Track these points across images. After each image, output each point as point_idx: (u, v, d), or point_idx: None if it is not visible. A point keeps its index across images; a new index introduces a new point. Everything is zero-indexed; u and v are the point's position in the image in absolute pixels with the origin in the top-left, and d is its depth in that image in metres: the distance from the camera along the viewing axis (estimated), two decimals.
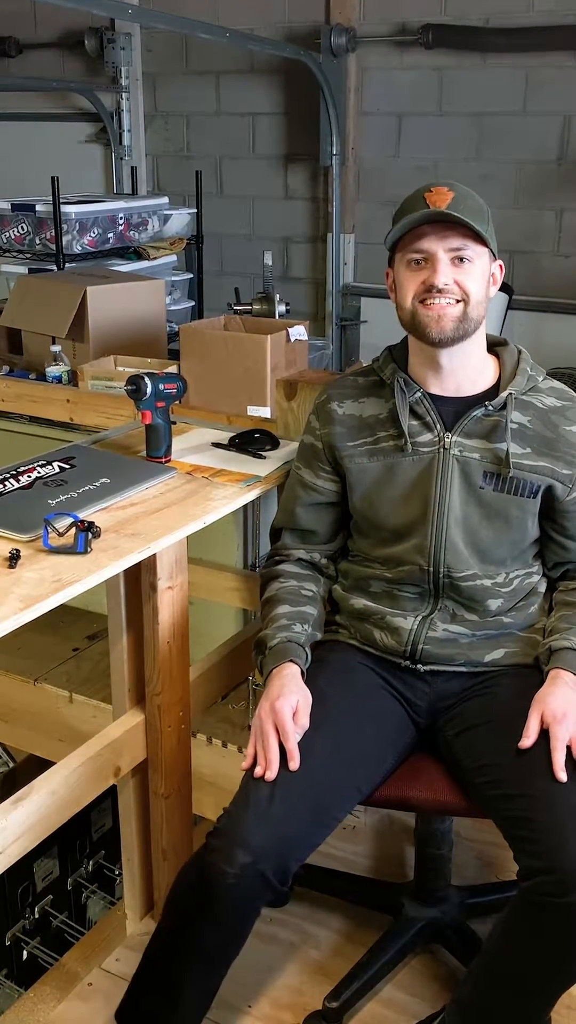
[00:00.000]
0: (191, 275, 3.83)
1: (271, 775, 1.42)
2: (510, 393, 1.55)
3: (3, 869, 1.50)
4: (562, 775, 1.38)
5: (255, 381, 2.20)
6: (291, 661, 1.54)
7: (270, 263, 2.82)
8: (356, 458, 1.63)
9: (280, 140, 4.58)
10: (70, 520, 1.47)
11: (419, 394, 1.59)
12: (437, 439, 1.57)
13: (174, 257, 3.67)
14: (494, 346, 1.63)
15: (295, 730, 1.46)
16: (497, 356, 1.62)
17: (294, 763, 1.43)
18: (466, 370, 1.58)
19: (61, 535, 1.46)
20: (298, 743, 1.47)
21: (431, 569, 1.57)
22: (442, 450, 1.57)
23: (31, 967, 2.84)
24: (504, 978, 1.44)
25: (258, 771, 1.44)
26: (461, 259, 1.50)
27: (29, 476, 1.70)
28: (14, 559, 1.40)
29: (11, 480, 1.68)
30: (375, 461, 1.61)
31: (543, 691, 1.48)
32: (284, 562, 1.70)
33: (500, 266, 1.58)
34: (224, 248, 4.70)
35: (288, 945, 1.87)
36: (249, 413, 2.22)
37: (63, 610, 1.40)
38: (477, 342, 1.57)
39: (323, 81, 4.12)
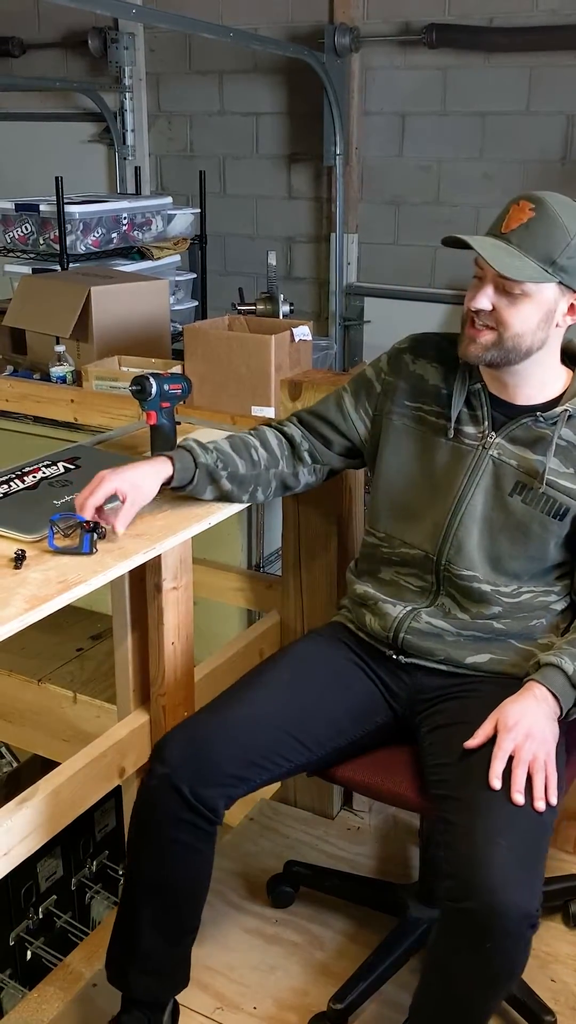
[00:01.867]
0: (195, 275, 3.82)
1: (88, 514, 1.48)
2: (565, 409, 1.51)
3: (8, 870, 1.50)
4: (496, 783, 1.36)
5: (259, 381, 2.20)
6: (167, 456, 1.57)
7: (274, 263, 2.82)
8: (402, 418, 1.63)
9: (283, 140, 4.58)
10: (75, 521, 1.47)
11: (479, 385, 1.57)
12: (481, 435, 1.56)
13: (178, 257, 3.68)
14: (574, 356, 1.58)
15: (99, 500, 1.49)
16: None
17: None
18: (522, 387, 1.54)
19: (67, 536, 1.46)
20: (255, 685, 1.58)
21: (435, 558, 1.57)
22: (481, 448, 1.55)
23: (35, 967, 2.84)
24: (435, 997, 1.44)
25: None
26: (508, 291, 1.44)
27: (34, 476, 1.70)
28: (20, 559, 1.40)
29: (16, 480, 1.68)
30: (416, 431, 1.61)
31: (509, 699, 1.45)
32: (273, 429, 1.71)
33: None
34: (228, 248, 4.70)
35: (292, 946, 1.87)
36: (253, 413, 2.21)
37: (67, 610, 1.40)
38: (534, 364, 1.51)
39: (326, 80, 4.11)
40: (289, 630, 2.08)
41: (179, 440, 1.68)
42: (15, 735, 3.17)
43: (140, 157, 4.92)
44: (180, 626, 1.71)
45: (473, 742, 1.42)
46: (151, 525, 1.56)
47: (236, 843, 2.15)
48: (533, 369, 1.52)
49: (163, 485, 1.56)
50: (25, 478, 1.69)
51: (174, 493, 1.60)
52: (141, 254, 3.49)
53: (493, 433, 1.55)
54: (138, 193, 4.38)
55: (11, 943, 2.87)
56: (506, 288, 1.44)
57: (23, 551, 1.42)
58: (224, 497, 1.64)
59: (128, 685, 1.77)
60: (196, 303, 3.79)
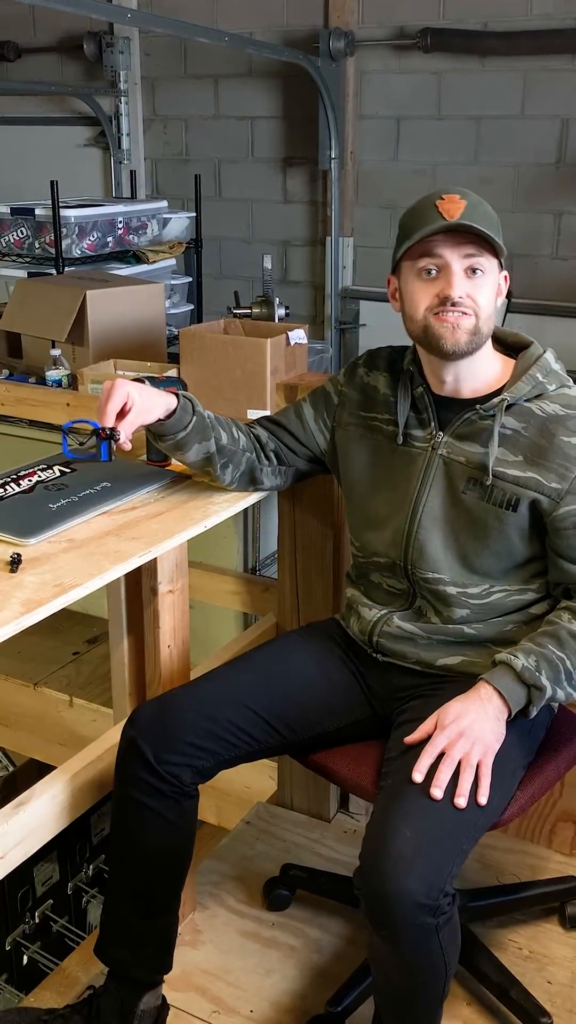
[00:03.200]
0: (190, 279, 3.83)
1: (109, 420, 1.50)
2: (503, 399, 1.51)
3: (4, 874, 1.50)
4: (417, 777, 1.37)
5: (255, 384, 2.20)
6: (173, 392, 1.60)
7: (269, 267, 2.82)
8: (357, 429, 1.65)
9: (279, 144, 4.59)
10: (91, 428, 1.45)
11: (421, 389, 1.59)
12: (429, 436, 1.57)
13: (173, 261, 3.67)
14: (518, 348, 1.59)
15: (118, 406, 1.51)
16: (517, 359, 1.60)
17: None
18: (467, 380, 1.55)
19: (82, 444, 1.46)
20: (235, 664, 1.63)
21: (402, 564, 1.59)
22: (431, 449, 1.57)
23: (31, 972, 2.84)
24: (379, 988, 1.48)
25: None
26: (474, 270, 1.47)
27: (30, 480, 1.70)
28: (15, 563, 1.40)
29: (12, 484, 1.68)
30: (370, 440, 1.63)
31: (456, 697, 1.45)
32: (243, 425, 1.73)
33: (506, 276, 1.54)
34: (223, 251, 4.70)
35: (289, 949, 1.87)
36: (249, 416, 2.21)
37: (63, 613, 1.40)
38: (485, 353, 1.54)
39: (321, 85, 4.12)
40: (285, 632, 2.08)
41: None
42: (11, 739, 3.17)
43: (135, 161, 4.92)
44: (176, 629, 1.71)
45: (411, 738, 1.44)
46: (147, 528, 1.56)
47: (232, 846, 2.15)
48: (480, 360, 1.54)
49: (160, 420, 1.57)
50: (20, 482, 1.69)
51: (161, 441, 1.61)
52: (137, 258, 3.49)
53: (440, 433, 1.57)
54: (133, 197, 4.38)
55: (7, 947, 2.86)
56: (473, 268, 1.46)
57: (19, 554, 1.41)
58: (203, 462, 1.64)
59: (124, 688, 1.77)
60: (192, 307, 3.79)
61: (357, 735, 1.64)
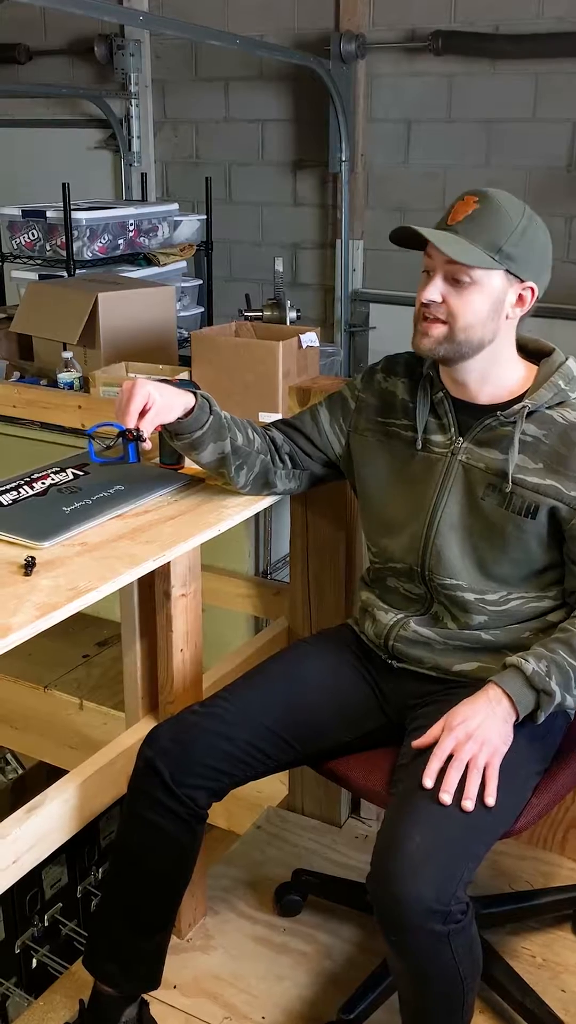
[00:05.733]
0: (200, 281, 3.83)
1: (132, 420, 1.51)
2: (524, 405, 1.50)
3: (17, 878, 1.49)
4: (428, 782, 1.36)
5: (267, 387, 2.19)
6: (191, 391, 1.60)
7: (281, 269, 2.81)
8: (374, 435, 1.64)
9: (289, 147, 4.59)
10: (116, 431, 1.45)
11: (441, 394, 1.58)
12: (449, 442, 1.56)
13: (184, 263, 3.68)
14: (540, 354, 1.57)
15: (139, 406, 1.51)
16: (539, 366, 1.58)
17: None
18: (482, 385, 1.54)
19: (109, 447, 1.45)
20: (251, 680, 1.61)
21: (419, 570, 1.58)
22: (450, 455, 1.56)
23: (41, 975, 2.83)
24: (401, 996, 1.47)
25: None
26: (456, 279, 1.44)
27: (43, 483, 1.69)
28: (29, 566, 1.40)
29: (26, 487, 1.67)
30: (388, 446, 1.62)
31: (464, 700, 1.44)
32: (259, 427, 1.72)
33: (531, 288, 1.49)
34: (233, 254, 4.70)
35: (300, 955, 1.86)
36: (261, 419, 2.21)
37: (73, 616, 1.40)
38: (489, 359, 1.51)
39: (332, 88, 4.12)
40: (297, 637, 2.08)
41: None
42: (21, 742, 3.17)
43: (146, 164, 4.93)
44: (189, 633, 1.70)
45: (419, 742, 1.43)
46: (160, 531, 1.55)
47: (244, 851, 2.14)
48: (489, 365, 1.52)
49: (178, 418, 1.57)
50: (34, 484, 1.68)
51: (177, 439, 1.60)
52: (147, 260, 3.49)
53: (460, 438, 1.55)
54: (144, 200, 4.38)
55: (16, 951, 2.86)
56: (455, 277, 1.44)
57: (33, 558, 1.41)
58: (217, 462, 1.63)
59: (136, 692, 1.77)
60: (202, 309, 3.79)
61: (371, 742, 1.63)
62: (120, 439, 1.43)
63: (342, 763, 1.62)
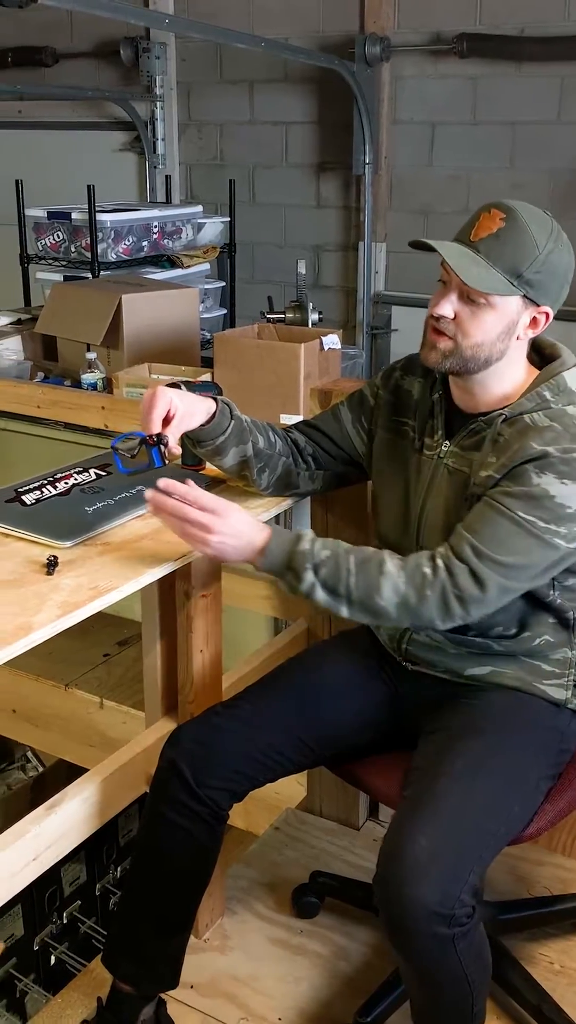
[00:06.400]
0: (223, 283, 3.83)
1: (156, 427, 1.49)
2: (500, 413, 1.47)
3: (36, 876, 1.50)
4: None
5: (288, 389, 2.19)
6: (212, 396, 1.60)
7: (303, 271, 2.82)
8: (388, 432, 1.64)
9: (313, 149, 4.59)
10: (137, 439, 1.46)
11: (438, 395, 1.57)
12: (436, 444, 1.56)
13: (207, 265, 3.68)
14: (552, 359, 1.54)
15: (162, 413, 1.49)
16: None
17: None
18: (482, 396, 1.52)
19: (133, 457, 1.47)
20: (271, 682, 1.62)
21: None
22: (437, 457, 1.55)
23: (59, 972, 2.85)
24: (410, 997, 1.48)
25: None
26: (470, 298, 1.42)
27: (66, 483, 1.70)
28: (52, 565, 1.41)
29: (49, 487, 1.69)
30: (398, 445, 1.62)
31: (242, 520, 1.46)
32: (280, 429, 1.72)
33: (547, 314, 1.46)
34: (256, 256, 4.71)
35: (317, 957, 1.86)
36: (282, 421, 2.21)
37: (93, 615, 1.41)
38: (494, 373, 1.49)
39: (356, 90, 4.11)
40: (317, 639, 2.08)
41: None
42: (41, 740, 3.19)
43: (170, 166, 4.94)
44: (209, 634, 1.70)
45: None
46: None
47: (262, 852, 2.15)
48: (494, 379, 1.50)
49: (200, 425, 1.57)
50: (57, 484, 1.70)
51: (199, 446, 1.61)
52: (171, 262, 3.50)
53: (447, 442, 1.55)
54: (168, 202, 4.40)
55: (35, 948, 2.88)
56: (470, 296, 1.42)
57: (55, 557, 1.42)
58: (239, 467, 1.64)
59: (156, 692, 1.77)
60: (225, 311, 3.80)
61: (389, 745, 1.63)
62: (143, 445, 1.43)
63: (359, 765, 1.63)
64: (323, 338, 2.26)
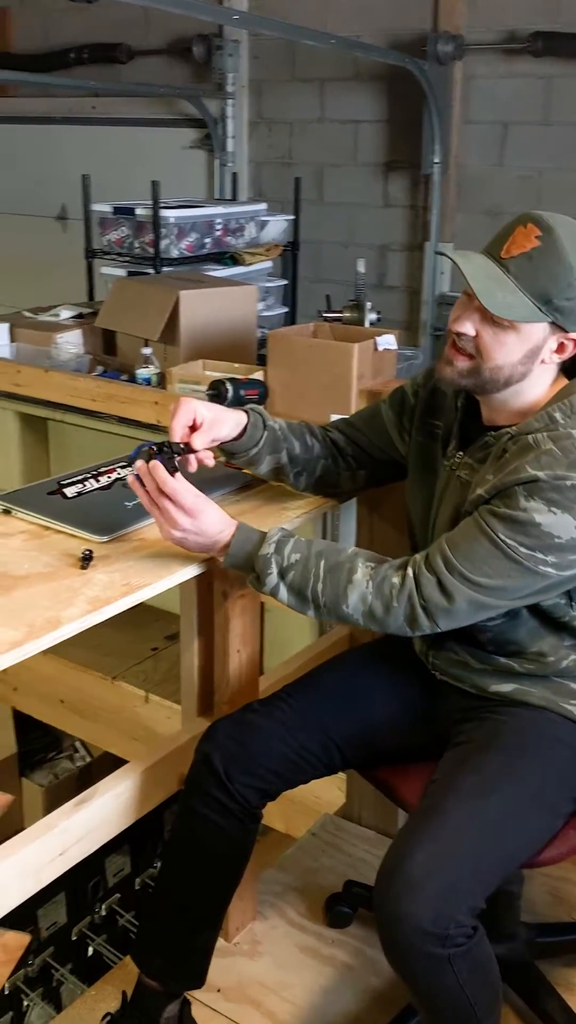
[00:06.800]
0: (286, 281, 3.82)
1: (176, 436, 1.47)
2: (507, 431, 1.41)
3: (63, 871, 1.49)
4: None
5: (340, 389, 2.16)
6: (243, 409, 1.57)
7: (363, 270, 2.79)
8: (421, 434, 1.59)
9: (382, 148, 4.54)
10: (146, 448, 1.43)
11: (460, 403, 1.52)
12: (451, 454, 1.52)
13: (269, 263, 3.67)
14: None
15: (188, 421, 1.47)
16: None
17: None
18: (502, 411, 1.46)
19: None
20: (309, 683, 1.60)
21: None
22: (450, 468, 1.51)
23: (95, 964, 2.86)
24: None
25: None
26: (495, 320, 1.35)
27: (109, 477, 1.70)
28: (87, 560, 1.40)
29: (91, 480, 1.69)
30: (429, 448, 1.57)
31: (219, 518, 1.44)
32: (319, 428, 1.69)
33: (575, 340, 1.38)
34: (321, 255, 4.68)
35: (347, 969, 1.82)
36: (331, 420, 2.18)
37: (142, 608, 1.41)
38: (513, 393, 1.42)
39: (428, 88, 4.06)
40: (357, 643, 2.04)
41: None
42: (88, 731, 3.21)
43: (239, 164, 4.94)
44: (245, 634, 1.68)
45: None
46: None
47: (297, 857, 2.12)
48: (513, 396, 1.43)
49: (234, 439, 1.55)
50: (100, 478, 1.69)
51: (232, 458, 1.59)
52: (233, 259, 3.50)
53: (461, 453, 1.50)
54: (234, 199, 4.40)
55: (73, 938, 2.90)
56: (493, 318, 1.35)
57: (90, 552, 1.41)
58: (274, 473, 1.63)
59: (193, 691, 1.76)
60: (286, 309, 3.78)
61: (423, 754, 1.59)
62: (159, 453, 1.40)
63: (389, 771, 1.60)
64: (378, 338, 2.23)
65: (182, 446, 1.43)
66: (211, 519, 1.41)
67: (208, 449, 1.49)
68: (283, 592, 1.41)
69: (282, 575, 1.40)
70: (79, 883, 2.94)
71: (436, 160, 4.22)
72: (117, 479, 1.69)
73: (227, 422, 1.54)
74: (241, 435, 1.56)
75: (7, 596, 1.30)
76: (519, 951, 1.72)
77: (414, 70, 4.01)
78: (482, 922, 1.68)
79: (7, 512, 1.57)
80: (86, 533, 1.49)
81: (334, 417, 2.14)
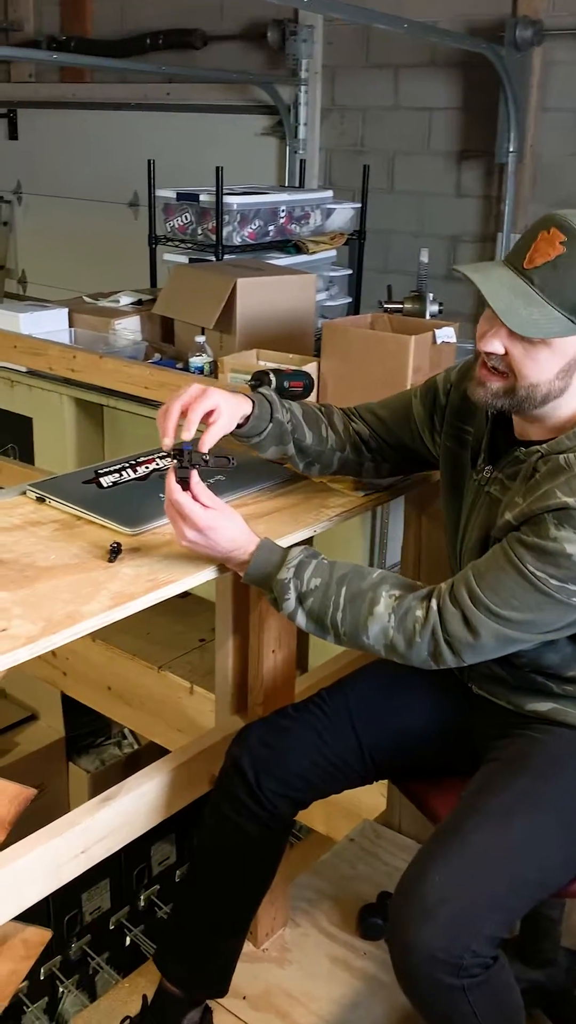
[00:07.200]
0: (351, 271, 3.74)
1: (167, 443, 1.38)
2: (537, 450, 1.31)
3: (84, 869, 1.46)
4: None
5: (395, 384, 2.09)
6: (249, 398, 1.49)
7: (426, 260, 2.70)
8: (450, 438, 1.49)
9: (456, 136, 4.43)
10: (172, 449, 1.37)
11: (492, 412, 1.40)
12: (480, 468, 1.42)
13: (334, 252, 3.60)
14: None
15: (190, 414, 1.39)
16: None
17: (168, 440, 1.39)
18: (537, 426, 1.36)
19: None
20: (346, 689, 1.53)
21: None
22: (478, 484, 1.41)
23: (131, 955, 2.86)
24: None
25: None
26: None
27: (146, 467, 1.66)
28: (115, 553, 1.36)
29: (128, 470, 1.65)
30: (454, 453, 1.48)
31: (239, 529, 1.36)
32: (344, 415, 1.60)
33: None
34: (390, 245, 4.59)
35: (378, 984, 1.76)
36: None
37: (192, 599, 1.38)
38: (551, 409, 1.31)
39: (504, 75, 3.94)
40: None
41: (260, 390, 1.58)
42: (134, 719, 3.20)
43: (311, 151, 4.87)
44: (282, 635, 1.63)
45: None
46: (253, 528, 1.47)
47: (333, 864, 2.07)
48: (551, 413, 1.32)
49: (238, 425, 1.48)
50: (137, 468, 1.65)
51: (236, 440, 1.52)
52: (297, 248, 3.43)
53: (490, 467, 1.40)
54: (301, 186, 4.33)
55: (111, 927, 2.89)
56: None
57: (119, 544, 1.37)
58: (281, 460, 1.57)
59: (227, 690, 1.71)
60: (349, 300, 3.70)
61: (459, 768, 1.53)
62: (177, 458, 1.34)
63: (422, 784, 1.55)
64: (437, 331, 2.15)
65: (205, 457, 1.35)
66: (225, 536, 1.33)
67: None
68: (301, 618, 1.35)
69: (300, 601, 1.34)
70: (125, 870, 2.93)
71: (511, 149, 4.10)
72: (155, 470, 1.65)
73: (234, 418, 1.46)
74: (244, 425, 1.48)
75: (30, 588, 1.26)
76: (558, 978, 1.65)
77: (491, 56, 3.90)
78: (518, 948, 1.62)
79: (41, 500, 1.54)
80: (115, 524, 1.44)
81: None
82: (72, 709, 3.54)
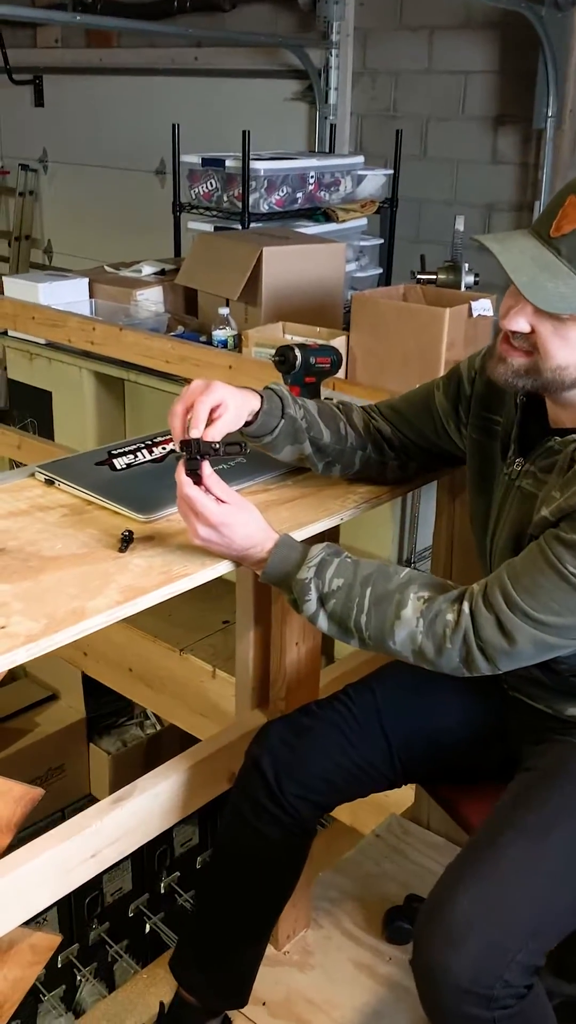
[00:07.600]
0: (382, 240, 3.61)
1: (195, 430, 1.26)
2: (574, 436, 1.21)
3: (94, 874, 1.39)
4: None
5: (428, 358, 1.98)
6: (259, 394, 1.36)
7: (461, 228, 2.57)
8: (476, 429, 1.37)
9: (492, 100, 4.26)
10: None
11: (520, 399, 1.30)
12: (510, 461, 1.30)
13: (364, 221, 3.47)
14: None
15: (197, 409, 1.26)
16: None
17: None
18: (569, 407, 1.24)
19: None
20: (374, 686, 1.45)
21: None
22: (509, 478, 1.30)
23: (151, 943, 2.80)
24: None
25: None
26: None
27: (163, 448, 1.56)
28: (126, 542, 1.26)
29: (144, 451, 1.55)
30: (486, 446, 1.36)
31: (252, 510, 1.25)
32: (364, 412, 1.49)
33: None
34: (423, 213, 4.44)
35: (403, 992, 1.68)
36: None
37: (217, 579, 1.27)
38: None
39: (544, 36, 3.77)
40: None
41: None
42: (156, 702, 3.14)
43: (341, 116, 4.72)
44: (307, 627, 1.54)
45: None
46: (275, 515, 1.38)
47: (358, 861, 1.98)
48: (570, 397, 1.21)
49: (246, 423, 1.34)
50: (154, 449, 1.56)
51: (247, 440, 1.39)
52: (326, 216, 3.31)
53: (521, 459, 1.28)
54: (331, 152, 4.19)
55: (130, 915, 2.84)
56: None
57: (130, 532, 1.27)
58: (298, 460, 1.44)
59: (248, 683, 1.63)
60: (380, 270, 3.58)
61: (494, 774, 1.44)
62: (185, 450, 1.23)
63: (454, 789, 1.47)
64: (473, 303, 2.03)
65: (215, 446, 1.24)
66: (241, 532, 1.23)
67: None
68: (323, 621, 1.24)
69: (322, 602, 1.23)
70: (146, 851, 2.88)
71: (550, 114, 3.95)
72: (172, 451, 1.55)
73: (241, 415, 1.32)
74: (252, 422, 1.35)
75: (34, 580, 1.17)
76: None
77: (530, 16, 3.74)
78: (554, 960, 1.53)
79: (50, 483, 1.45)
80: (127, 510, 1.35)
81: None
82: (93, 689, 3.49)
